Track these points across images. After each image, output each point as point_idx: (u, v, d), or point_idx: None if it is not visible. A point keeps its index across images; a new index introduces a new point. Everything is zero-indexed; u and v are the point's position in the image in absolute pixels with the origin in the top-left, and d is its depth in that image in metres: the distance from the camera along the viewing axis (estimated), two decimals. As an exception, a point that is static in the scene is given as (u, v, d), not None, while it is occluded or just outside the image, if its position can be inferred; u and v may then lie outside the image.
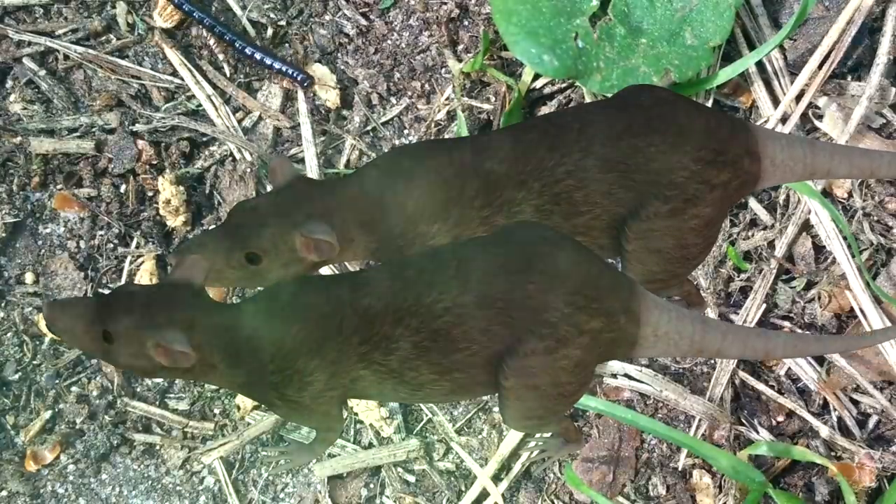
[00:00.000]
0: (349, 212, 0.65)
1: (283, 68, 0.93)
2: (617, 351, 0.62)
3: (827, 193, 0.90)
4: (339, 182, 0.67)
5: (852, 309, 0.88)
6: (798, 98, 0.91)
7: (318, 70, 0.95)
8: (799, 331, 0.89)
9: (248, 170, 0.94)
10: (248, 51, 0.94)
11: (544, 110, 0.93)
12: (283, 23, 0.97)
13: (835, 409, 0.89)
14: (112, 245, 0.95)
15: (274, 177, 0.66)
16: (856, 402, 0.89)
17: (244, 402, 0.92)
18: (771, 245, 0.91)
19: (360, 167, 0.71)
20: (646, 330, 0.61)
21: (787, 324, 0.89)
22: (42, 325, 0.93)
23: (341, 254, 0.66)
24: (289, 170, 0.66)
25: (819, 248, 0.91)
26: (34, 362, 0.94)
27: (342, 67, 0.96)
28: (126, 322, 0.59)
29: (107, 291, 0.65)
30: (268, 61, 0.94)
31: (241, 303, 0.62)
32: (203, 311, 0.60)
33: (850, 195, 0.90)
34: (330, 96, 0.94)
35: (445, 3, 0.95)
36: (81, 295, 0.92)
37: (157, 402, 0.93)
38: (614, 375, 0.90)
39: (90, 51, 0.97)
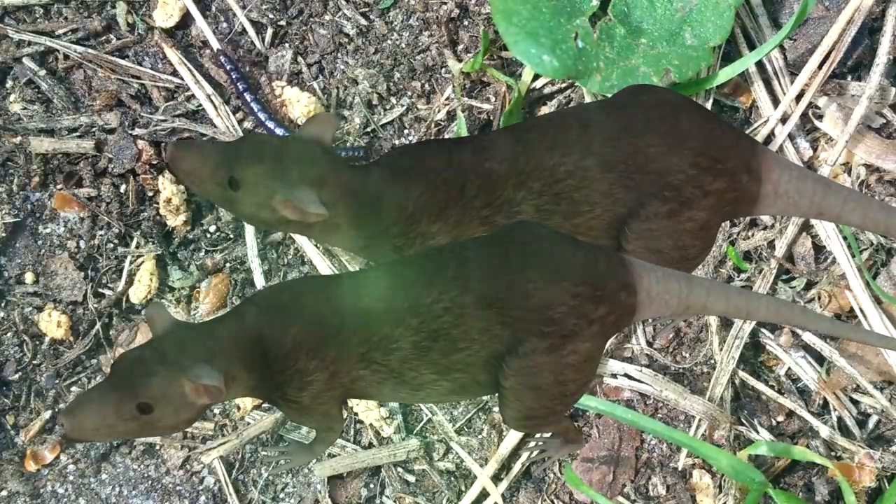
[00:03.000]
0: (347, 206, 0.65)
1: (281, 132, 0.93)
2: (617, 329, 0.62)
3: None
4: (342, 168, 0.67)
5: (852, 309, 0.88)
6: (798, 98, 0.91)
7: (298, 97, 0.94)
8: (799, 331, 0.89)
9: (248, 170, 0.94)
10: (257, 112, 0.94)
11: (544, 110, 0.93)
12: (282, 23, 0.97)
13: (835, 409, 0.89)
14: (112, 245, 0.95)
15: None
16: (856, 402, 0.89)
17: (244, 401, 0.92)
18: (771, 245, 0.91)
19: (360, 166, 0.70)
20: (641, 296, 0.62)
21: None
22: (42, 324, 0.93)
23: (332, 240, 0.67)
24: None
25: (819, 248, 0.91)
26: (34, 362, 0.94)
27: (342, 67, 0.96)
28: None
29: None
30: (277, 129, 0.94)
31: (243, 302, 0.62)
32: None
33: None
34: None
35: (445, 3, 0.95)
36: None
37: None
38: (614, 375, 0.90)
39: (90, 51, 0.97)
